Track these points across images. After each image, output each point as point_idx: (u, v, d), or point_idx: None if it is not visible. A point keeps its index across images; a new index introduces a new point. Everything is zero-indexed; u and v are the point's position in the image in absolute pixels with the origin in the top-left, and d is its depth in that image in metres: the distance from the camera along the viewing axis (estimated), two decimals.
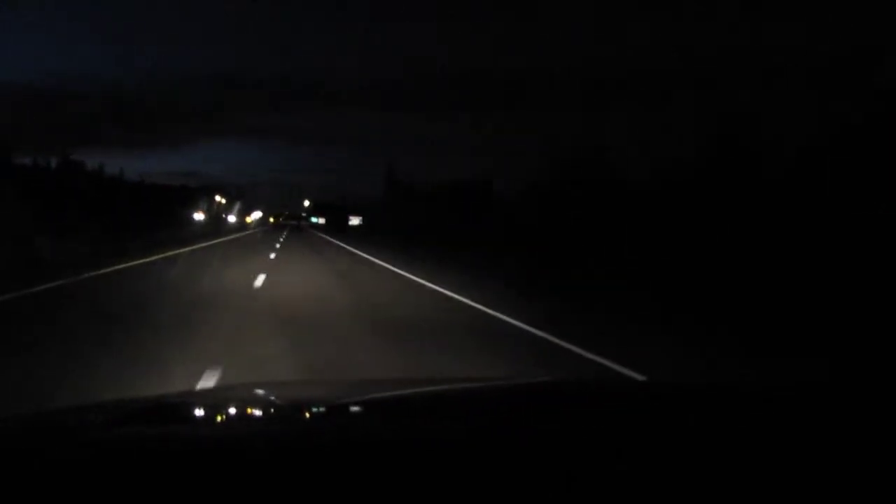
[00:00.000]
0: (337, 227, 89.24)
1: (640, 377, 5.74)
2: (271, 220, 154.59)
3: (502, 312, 9.81)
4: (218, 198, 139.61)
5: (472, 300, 11.31)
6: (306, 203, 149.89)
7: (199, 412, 1.44)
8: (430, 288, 13.70)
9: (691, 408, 1.39)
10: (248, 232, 55.40)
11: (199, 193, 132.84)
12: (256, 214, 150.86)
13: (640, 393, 1.77)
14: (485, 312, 10.10)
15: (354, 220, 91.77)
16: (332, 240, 44.81)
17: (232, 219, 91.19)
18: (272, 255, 23.88)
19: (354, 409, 1.49)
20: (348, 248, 33.06)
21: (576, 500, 0.82)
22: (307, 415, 1.40)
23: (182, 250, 23.17)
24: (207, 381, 4.96)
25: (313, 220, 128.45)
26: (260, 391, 1.72)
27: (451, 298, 11.90)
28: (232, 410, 1.47)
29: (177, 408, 1.45)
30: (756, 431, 1.13)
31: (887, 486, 0.88)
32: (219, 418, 1.38)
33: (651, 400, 1.54)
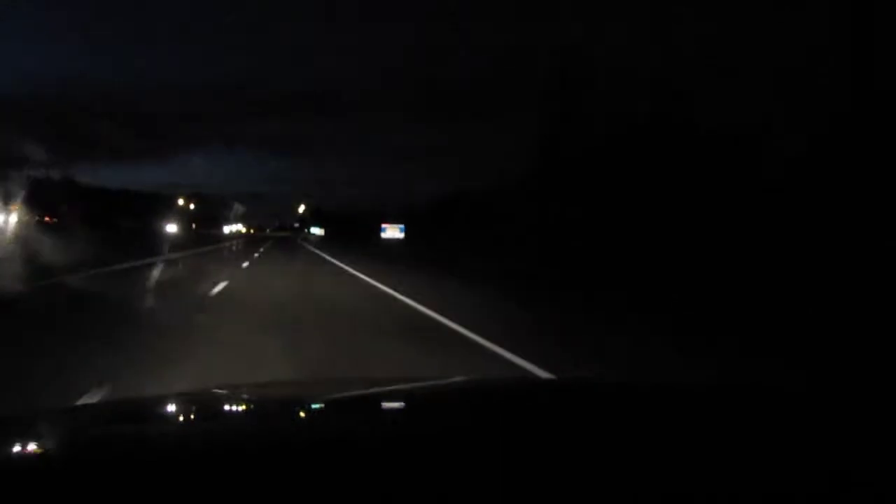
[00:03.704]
0: (350, 240, 51.44)
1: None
2: (243, 230, 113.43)
3: None
4: (181, 201, 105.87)
5: None
6: (301, 209, 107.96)
7: (190, 413, 1.43)
8: None
9: (691, 409, 1.38)
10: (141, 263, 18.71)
11: (167, 201, 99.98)
12: (235, 226, 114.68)
13: (648, 394, 1.67)
14: None
15: (391, 232, 52.93)
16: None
17: (172, 228, 57.91)
18: None
19: (337, 409, 1.48)
20: None
21: (554, 496, 0.81)
22: (291, 416, 1.40)
23: None
24: None
25: (314, 230, 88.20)
26: (250, 392, 1.75)
27: None
28: (224, 411, 1.48)
29: (166, 409, 1.47)
30: (762, 432, 1.14)
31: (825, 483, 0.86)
32: (210, 419, 1.37)
33: (658, 401, 1.51)
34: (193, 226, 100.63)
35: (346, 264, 21.42)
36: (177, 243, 36.58)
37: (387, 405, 1.53)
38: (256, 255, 29.05)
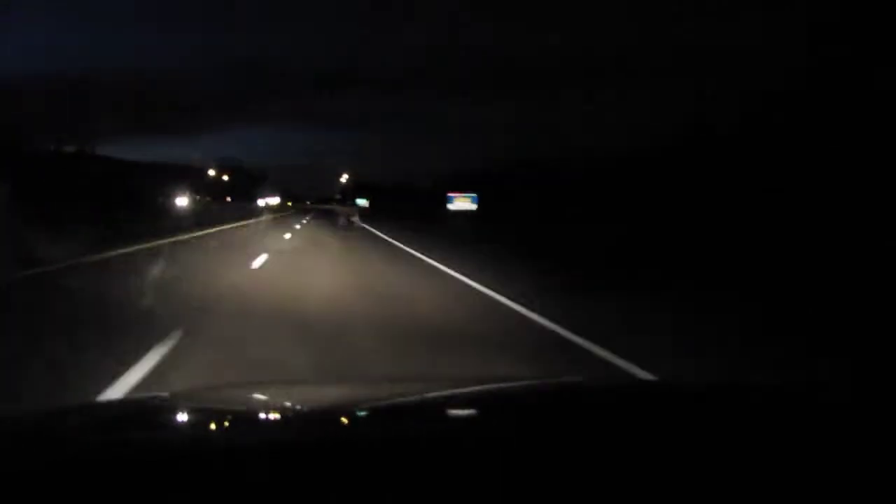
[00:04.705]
0: (408, 217, 41.22)
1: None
2: (268, 203, 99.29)
3: None
4: (212, 172, 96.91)
5: None
6: (344, 178, 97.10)
7: (189, 415, 1.37)
8: None
9: (700, 409, 1.35)
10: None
11: (199, 173, 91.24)
12: (272, 199, 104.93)
13: (652, 394, 1.69)
14: None
15: (460, 203, 42.14)
16: None
17: (183, 202, 49.34)
18: None
19: (350, 410, 1.40)
20: None
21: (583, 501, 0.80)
22: (301, 417, 1.35)
23: None
24: None
25: (359, 202, 77.91)
26: (250, 392, 1.67)
27: None
28: (225, 412, 1.41)
29: (162, 410, 1.42)
30: (767, 432, 1.11)
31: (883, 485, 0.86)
32: (212, 420, 1.32)
33: (663, 401, 1.50)
34: (228, 199, 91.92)
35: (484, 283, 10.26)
36: (181, 224, 26.16)
37: (401, 409, 1.43)
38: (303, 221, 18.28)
